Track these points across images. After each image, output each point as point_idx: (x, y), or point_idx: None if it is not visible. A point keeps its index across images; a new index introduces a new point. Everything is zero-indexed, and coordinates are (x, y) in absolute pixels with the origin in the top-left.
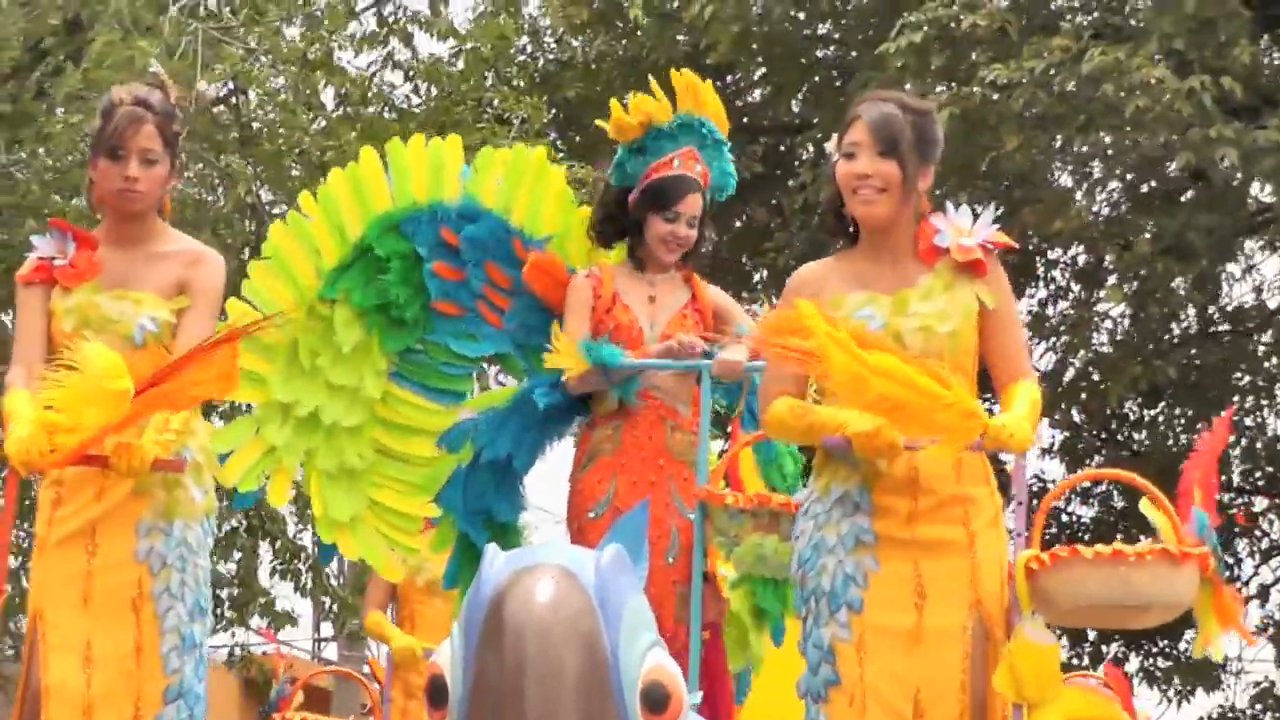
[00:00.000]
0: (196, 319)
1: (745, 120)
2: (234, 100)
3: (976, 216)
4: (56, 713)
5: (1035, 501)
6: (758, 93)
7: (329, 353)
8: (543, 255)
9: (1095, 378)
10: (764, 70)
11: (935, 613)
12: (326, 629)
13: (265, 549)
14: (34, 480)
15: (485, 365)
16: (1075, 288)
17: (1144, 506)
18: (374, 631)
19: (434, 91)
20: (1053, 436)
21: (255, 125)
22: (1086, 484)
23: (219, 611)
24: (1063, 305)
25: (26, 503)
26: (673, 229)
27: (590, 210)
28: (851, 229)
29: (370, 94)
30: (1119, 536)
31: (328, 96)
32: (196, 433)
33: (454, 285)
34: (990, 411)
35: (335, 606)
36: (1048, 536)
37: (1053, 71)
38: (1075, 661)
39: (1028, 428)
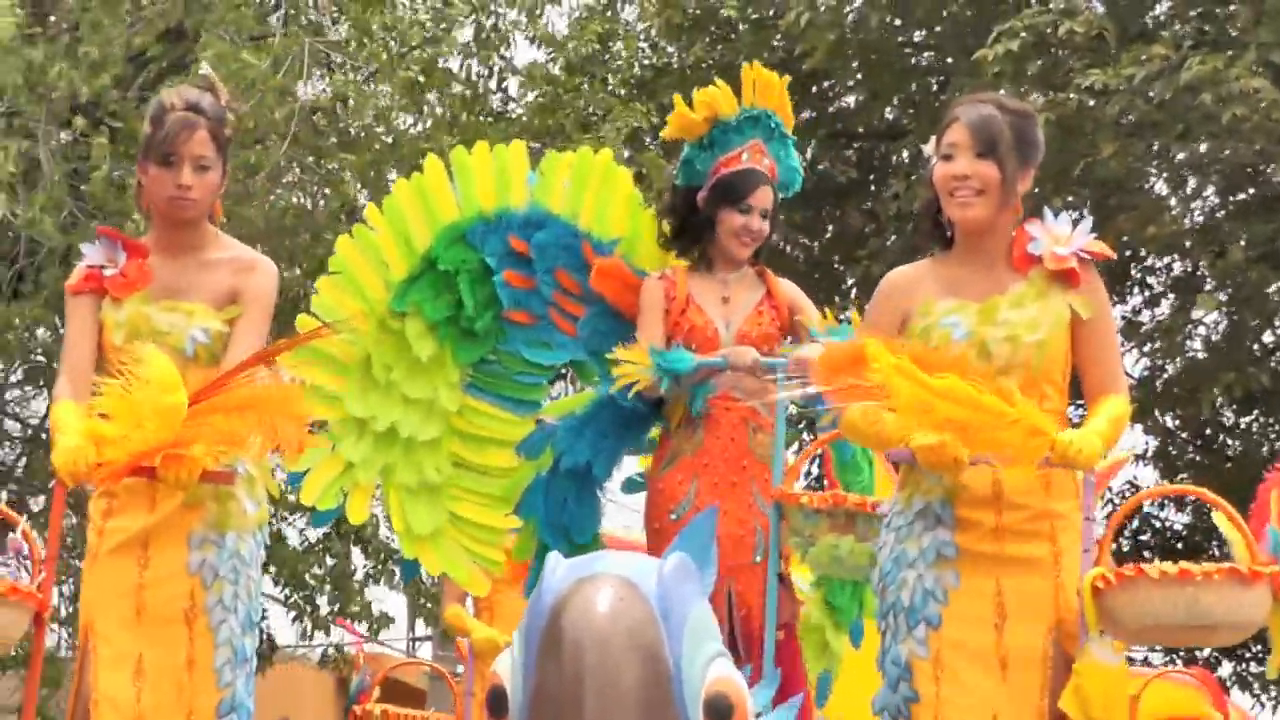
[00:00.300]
0: (248, 327)
1: (840, 126)
2: (333, 108)
3: (1076, 224)
4: None
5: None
6: (852, 98)
7: (402, 366)
8: (608, 261)
9: (1189, 384)
10: (859, 76)
11: (1015, 633)
12: (421, 627)
13: (357, 553)
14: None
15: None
16: (1170, 295)
17: (1218, 521)
18: (454, 624)
19: (530, 97)
20: (1146, 443)
21: (354, 130)
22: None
23: (314, 615)
24: (1157, 311)
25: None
26: (746, 222)
27: (657, 213)
28: (948, 233)
29: (473, 100)
30: (1213, 543)
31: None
32: (249, 445)
33: (525, 293)
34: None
35: (429, 605)
36: (1138, 541)
37: (1150, 80)
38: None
39: (1098, 445)
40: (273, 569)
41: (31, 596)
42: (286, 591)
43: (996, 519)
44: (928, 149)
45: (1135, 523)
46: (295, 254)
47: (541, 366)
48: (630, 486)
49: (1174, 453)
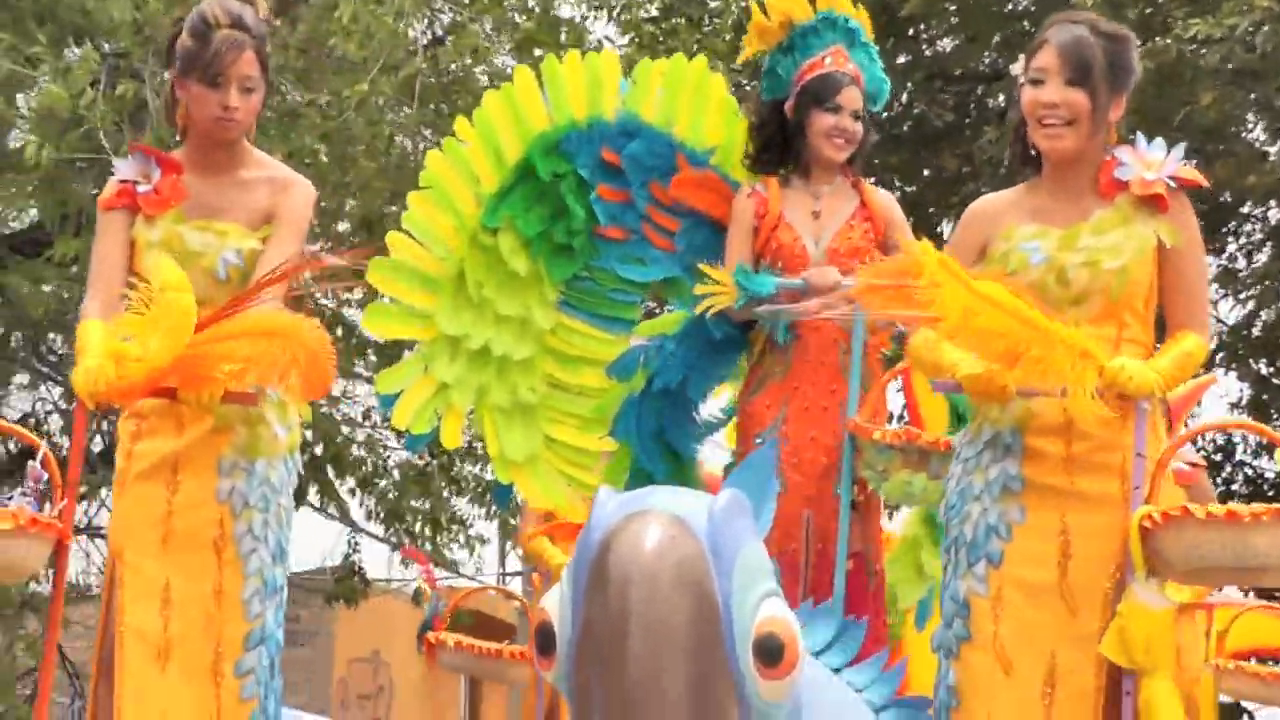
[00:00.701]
0: (279, 247)
1: (937, 69)
2: (431, 52)
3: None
4: (133, 656)
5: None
6: (949, 42)
7: (493, 283)
8: (698, 173)
9: None
10: (955, 20)
11: (1079, 572)
12: (514, 563)
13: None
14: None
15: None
16: (1269, 244)
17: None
18: (531, 549)
19: (626, 40)
20: (1240, 390)
21: (454, 69)
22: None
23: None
24: (1254, 259)
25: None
26: (837, 121)
27: (747, 130)
28: (1035, 156)
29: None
30: None
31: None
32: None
33: (620, 208)
34: None
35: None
36: (1230, 490)
37: (1250, 30)
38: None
39: (1150, 376)
40: (371, 502)
41: (52, 527)
42: (384, 526)
43: (1066, 449)
44: (1016, 68)
45: (1227, 470)
46: (400, 195)
47: (635, 284)
48: (705, 429)
49: (1267, 399)
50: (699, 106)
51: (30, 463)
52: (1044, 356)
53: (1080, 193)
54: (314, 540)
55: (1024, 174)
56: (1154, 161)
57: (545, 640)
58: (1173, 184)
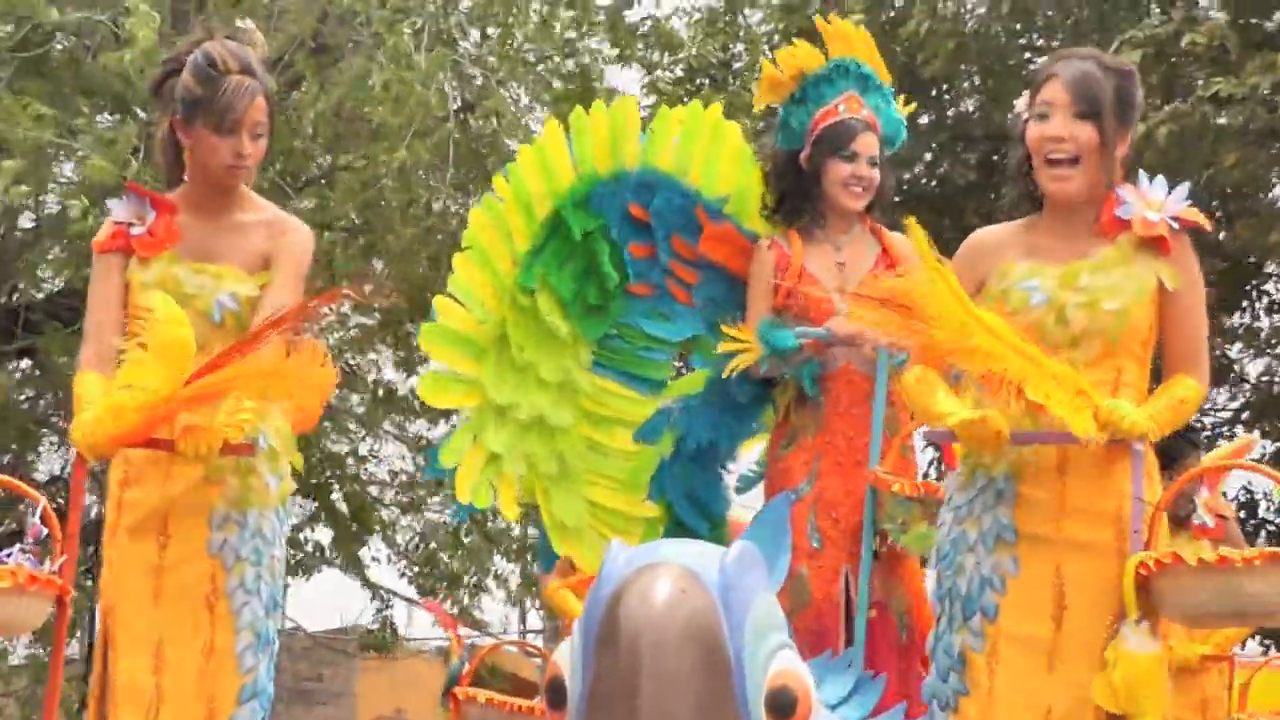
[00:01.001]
0: (278, 292)
1: (959, 130)
2: (462, 116)
3: (1172, 190)
4: (125, 714)
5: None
6: (970, 102)
7: (532, 344)
8: (718, 227)
9: None
10: (977, 80)
11: (1075, 625)
12: (534, 620)
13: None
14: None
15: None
16: None
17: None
18: (554, 601)
19: (652, 100)
20: (1263, 448)
21: (485, 133)
22: None
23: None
24: (1276, 318)
25: None
26: (853, 169)
27: (763, 179)
28: (1038, 192)
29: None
30: None
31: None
32: (271, 416)
33: (644, 263)
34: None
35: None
36: (1253, 546)
37: (1271, 90)
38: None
39: (1140, 418)
40: (403, 563)
41: (51, 584)
42: (418, 582)
43: (1061, 494)
44: (1020, 104)
45: (1249, 526)
46: (440, 259)
47: (663, 341)
48: (744, 483)
49: None
50: (714, 152)
51: (30, 519)
52: (1037, 388)
53: (1081, 231)
54: (335, 600)
55: (1024, 208)
56: (1156, 201)
57: (556, 695)
58: (1175, 225)
